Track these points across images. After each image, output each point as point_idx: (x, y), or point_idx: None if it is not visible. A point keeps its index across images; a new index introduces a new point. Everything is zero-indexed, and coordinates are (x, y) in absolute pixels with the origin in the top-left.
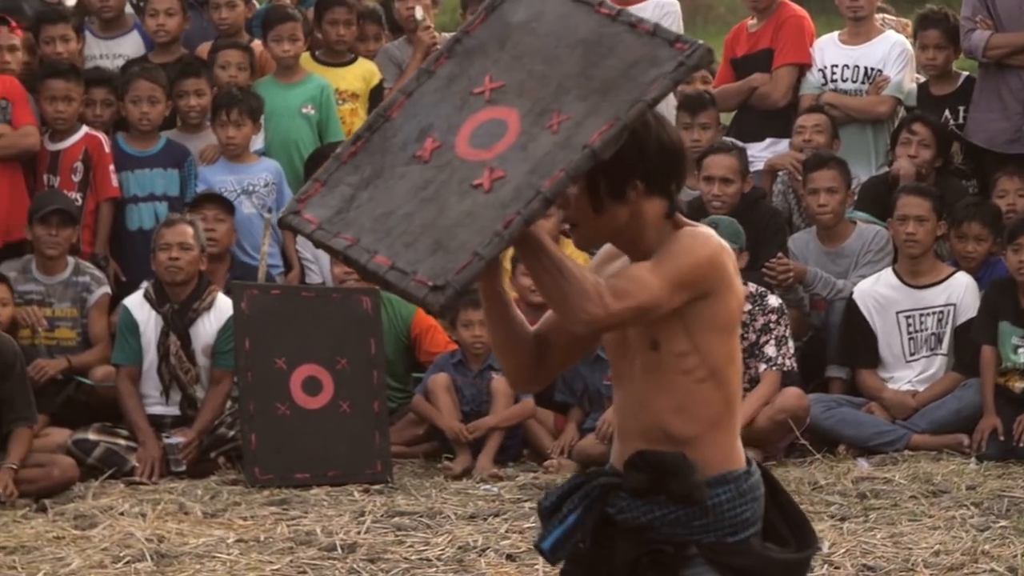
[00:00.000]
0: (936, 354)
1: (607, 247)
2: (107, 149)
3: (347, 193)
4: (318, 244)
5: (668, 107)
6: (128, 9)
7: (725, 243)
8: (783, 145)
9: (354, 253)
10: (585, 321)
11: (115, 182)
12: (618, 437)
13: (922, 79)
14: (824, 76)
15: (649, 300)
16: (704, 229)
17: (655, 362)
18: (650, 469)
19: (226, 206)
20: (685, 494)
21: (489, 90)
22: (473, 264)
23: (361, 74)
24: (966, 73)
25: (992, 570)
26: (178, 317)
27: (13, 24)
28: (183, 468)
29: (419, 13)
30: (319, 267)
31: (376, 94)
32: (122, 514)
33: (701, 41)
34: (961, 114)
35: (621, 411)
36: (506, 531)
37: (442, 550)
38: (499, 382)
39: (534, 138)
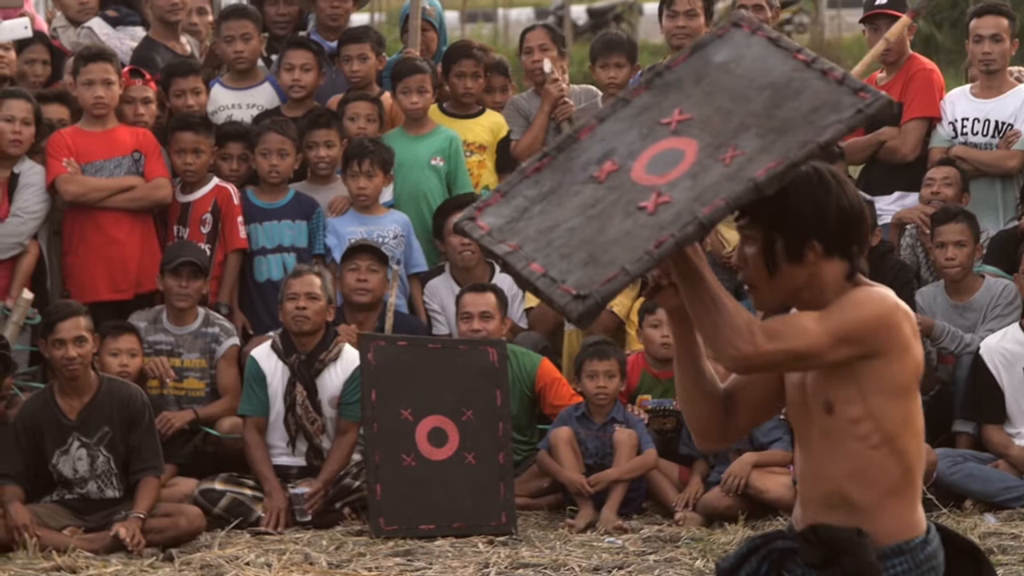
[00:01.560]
0: None
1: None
2: (236, 200)
3: (522, 205)
4: (483, 249)
5: None
6: (259, 62)
7: (904, 305)
8: (912, 199)
9: (513, 259)
10: (732, 356)
11: (243, 233)
12: (800, 502)
13: None
14: (954, 129)
15: (804, 347)
16: (881, 288)
17: (830, 427)
18: (823, 545)
19: (379, 256)
20: (858, 572)
21: (676, 121)
22: (618, 278)
23: (489, 126)
24: None
25: None
26: (305, 368)
27: (147, 76)
28: (308, 518)
29: (547, 66)
30: (446, 318)
31: (503, 146)
32: (248, 564)
33: (883, 93)
34: None
35: (802, 476)
36: None
37: None
38: (622, 434)
39: (706, 168)
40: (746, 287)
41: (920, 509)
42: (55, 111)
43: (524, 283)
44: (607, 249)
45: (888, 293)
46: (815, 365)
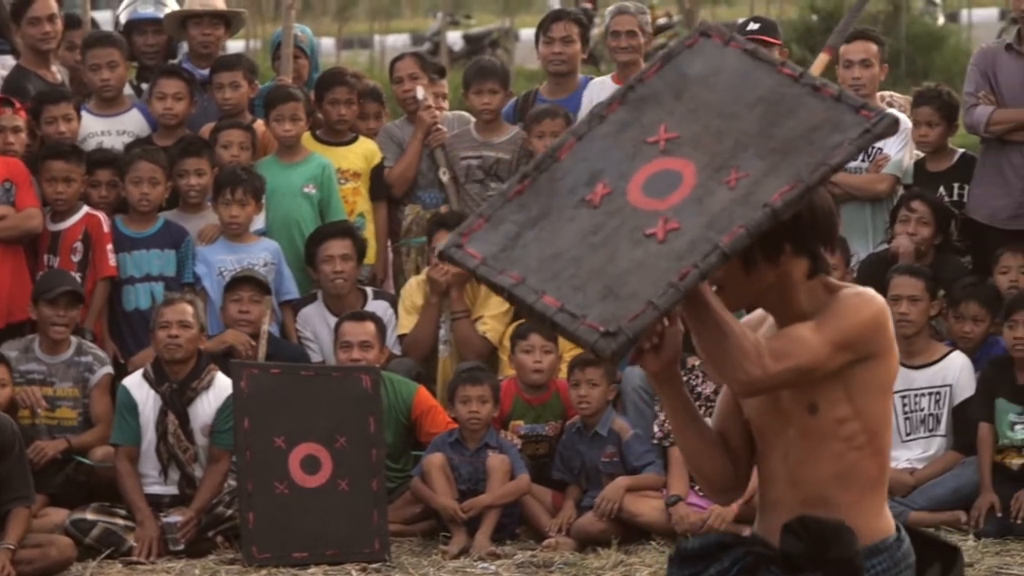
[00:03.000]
0: (935, 435)
1: (756, 313)
2: (106, 228)
3: (512, 231)
4: (481, 279)
5: None
6: (127, 89)
7: (884, 306)
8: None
9: (520, 292)
10: (743, 381)
11: (113, 261)
12: (766, 508)
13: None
14: None
15: (809, 361)
16: (867, 289)
17: (813, 428)
18: (809, 536)
19: (262, 287)
20: (847, 561)
21: (664, 140)
22: (647, 313)
23: (362, 153)
24: (962, 150)
25: None
26: (177, 396)
27: (17, 105)
28: (181, 547)
29: (420, 93)
30: (319, 346)
31: (377, 173)
32: None
33: (889, 110)
34: (956, 191)
35: (770, 481)
36: None
37: None
38: (495, 459)
39: (711, 192)
40: (714, 287)
41: (887, 507)
42: None
43: (538, 317)
44: (623, 281)
45: (874, 293)
46: (819, 376)
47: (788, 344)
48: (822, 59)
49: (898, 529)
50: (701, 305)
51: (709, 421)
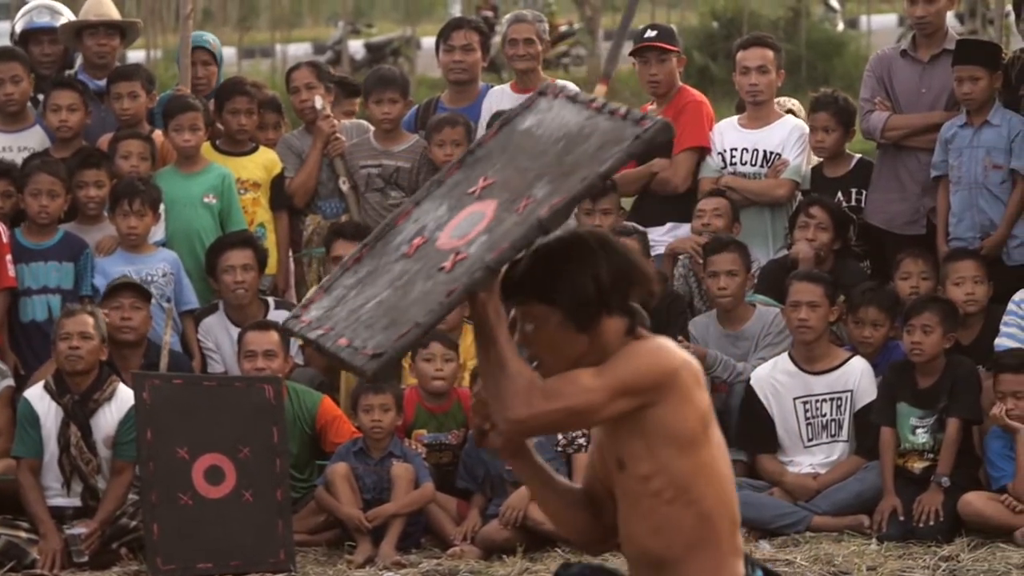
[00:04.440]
0: (837, 441)
1: None
2: (4, 239)
3: (340, 295)
4: (303, 339)
5: None
6: (29, 104)
7: (685, 355)
8: (684, 229)
9: (323, 340)
10: (508, 419)
11: (12, 272)
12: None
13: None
14: (723, 160)
15: (582, 403)
16: (660, 340)
17: (625, 484)
18: None
19: (142, 294)
20: None
21: (480, 188)
22: (411, 332)
23: (262, 163)
24: (859, 155)
25: None
26: (79, 408)
27: None
28: (85, 559)
29: (319, 102)
30: (221, 356)
31: (278, 183)
32: None
33: (661, 118)
34: (854, 196)
35: (620, 536)
36: None
37: None
38: (399, 468)
39: (501, 221)
40: (533, 363)
41: (734, 558)
42: None
43: (332, 356)
44: (406, 311)
45: (666, 344)
46: (595, 421)
47: (564, 385)
48: (600, 90)
49: None
50: (487, 340)
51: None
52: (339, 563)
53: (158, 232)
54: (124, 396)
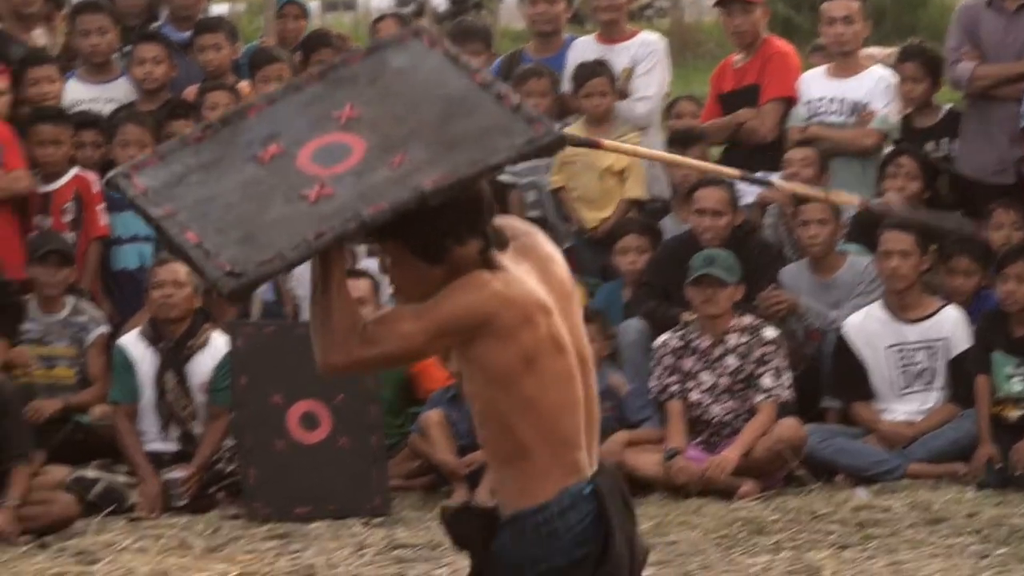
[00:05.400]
0: (931, 389)
1: None
2: (96, 189)
3: (180, 171)
4: (136, 209)
5: (657, 142)
6: (115, 56)
7: (507, 292)
8: (772, 179)
9: (167, 223)
10: (323, 364)
11: (104, 221)
12: None
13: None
14: (810, 110)
15: (399, 349)
16: (479, 275)
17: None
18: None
19: None
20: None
21: (346, 117)
22: (274, 262)
23: None
24: (949, 105)
25: None
26: (174, 354)
27: (0, 68)
28: (184, 503)
29: None
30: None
31: None
32: (124, 550)
33: (559, 127)
34: (943, 146)
35: None
36: None
37: None
38: None
39: (372, 168)
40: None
41: (545, 481)
42: None
43: (176, 250)
44: (265, 232)
45: (484, 280)
46: (417, 359)
47: (383, 331)
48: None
49: (556, 497)
50: (323, 279)
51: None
52: (435, 508)
53: None
54: (218, 343)
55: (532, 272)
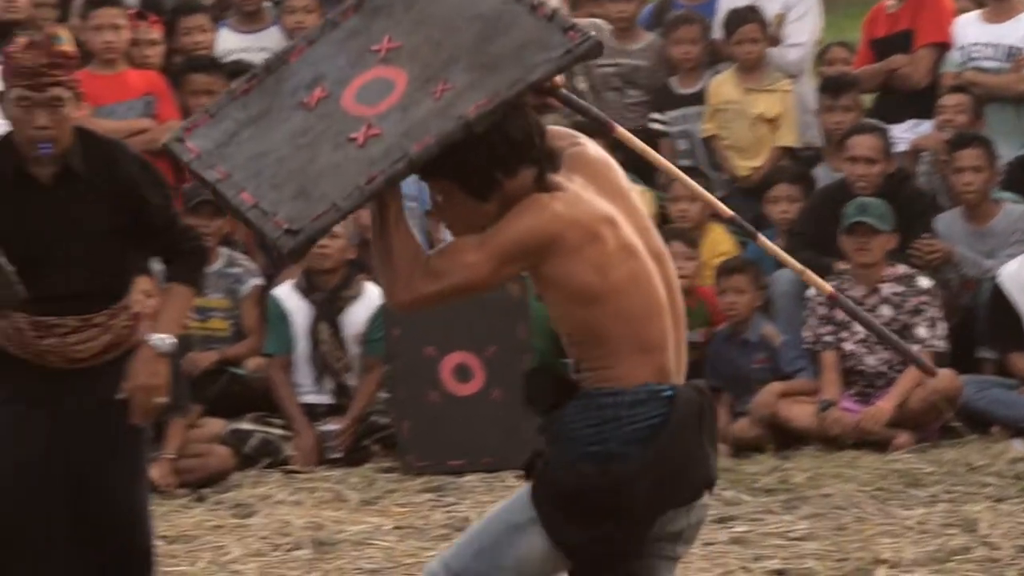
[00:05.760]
0: None
1: None
2: None
3: (231, 128)
4: (192, 174)
5: (809, 89)
6: (267, 3)
7: (566, 211)
8: (926, 126)
9: (223, 187)
10: (393, 303)
11: None
12: None
13: None
14: (965, 55)
15: (464, 279)
16: (539, 198)
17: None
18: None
19: None
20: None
21: (386, 49)
22: (328, 214)
23: None
24: None
25: None
26: (328, 305)
27: (152, 18)
28: (339, 455)
29: (553, 2)
30: None
31: None
32: (279, 502)
33: (594, 34)
34: None
35: None
36: None
37: None
38: None
39: (416, 102)
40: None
41: (632, 376)
42: None
43: (235, 212)
44: (317, 182)
45: (546, 204)
46: (484, 288)
47: (445, 263)
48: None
49: (639, 387)
50: (381, 221)
51: None
52: None
53: None
54: (372, 294)
55: (587, 184)
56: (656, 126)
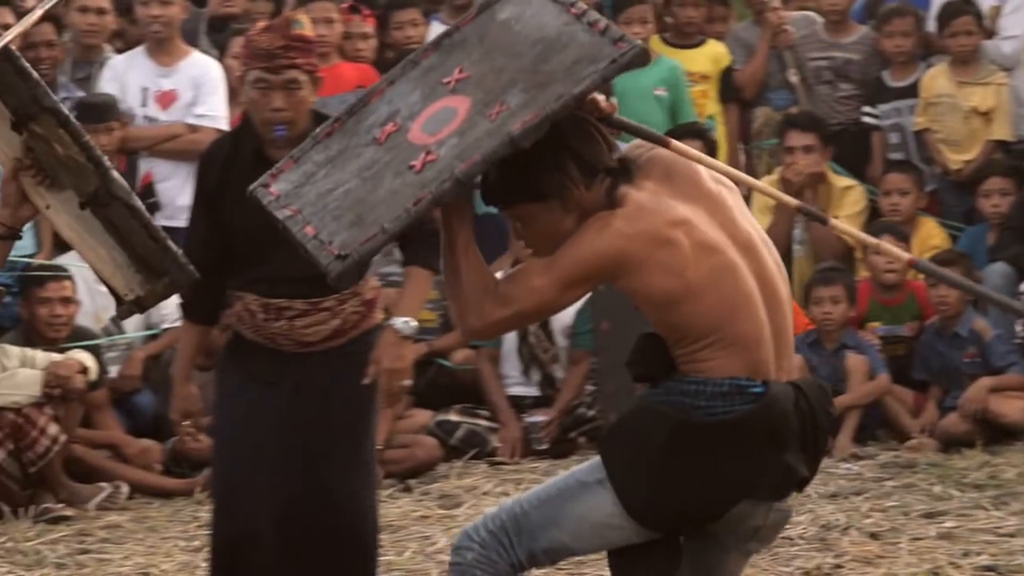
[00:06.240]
0: None
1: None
2: None
3: (310, 170)
4: (270, 216)
5: (1023, 82)
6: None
7: (626, 227)
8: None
9: (290, 223)
10: (464, 330)
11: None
12: None
13: None
14: None
15: (533, 305)
16: (600, 217)
17: None
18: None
19: None
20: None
21: (455, 80)
22: (377, 238)
23: (711, 56)
24: None
25: None
26: None
27: (365, 12)
28: (545, 447)
29: None
30: None
31: (727, 76)
32: (485, 493)
33: (639, 42)
34: None
35: None
36: (868, 510)
37: (804, 528)
38: (853, 360)
39: (474, 125)
40: (528, 250)
41: (723, 370)
42: None
43: (299, 246)
44: (373, 209)
45: (607, 223)
46: (554, 312)
47: (515, 289)
48: None
49: (735, 383)
50: (449, 246)
51: None
52: None
53: None
54: None
55: (660, 187)
56: (868, 119)
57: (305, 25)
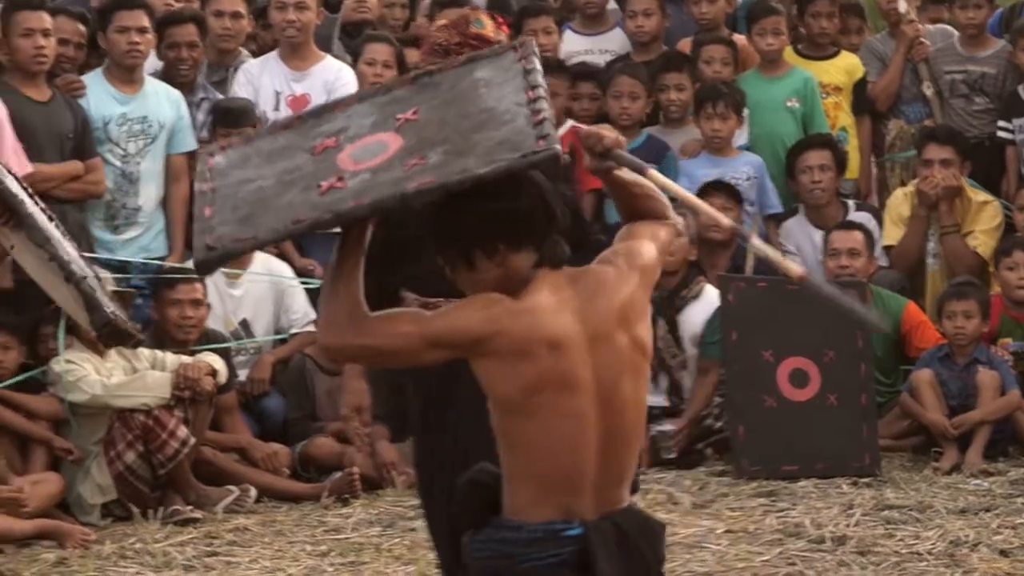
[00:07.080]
0: None
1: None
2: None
3: (249, 155)
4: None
5: None
6: (612, 5)
7: (504, 319)
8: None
9: (198, 198)
10: (321, 344)
11: None
12: None
13: None
14: None
15: (392, 346)
16: (489, 296)
17: None
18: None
19: (732, 194)
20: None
21: (405, 119)
22: (247, 241)
23: (844, 67)
24: None
25: None
26: (666, 303)
27: (499, 20)
28: (672, 456)
29: (902, 6)
30: (802, 258)
31: (859, 87)
32: None
33: (558, 147)
34: None
35: None
36: (998, 526)
37: (933, 544)
38: (985, 375)
39: (390, 168)
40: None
41: (534, 507)
42: (414, 55)
43: (194, 220)
44: (265, 213)
45: (490, 304)
46: (414, 363)
47: (382, 326)
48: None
49: (539, 525)
50: (336, 262)
51: None
52: (924, 469)
53: (741, 136)
54: (710, 295)
55: (570, 302)
56: (1003, 134)
57: (486, 25)
